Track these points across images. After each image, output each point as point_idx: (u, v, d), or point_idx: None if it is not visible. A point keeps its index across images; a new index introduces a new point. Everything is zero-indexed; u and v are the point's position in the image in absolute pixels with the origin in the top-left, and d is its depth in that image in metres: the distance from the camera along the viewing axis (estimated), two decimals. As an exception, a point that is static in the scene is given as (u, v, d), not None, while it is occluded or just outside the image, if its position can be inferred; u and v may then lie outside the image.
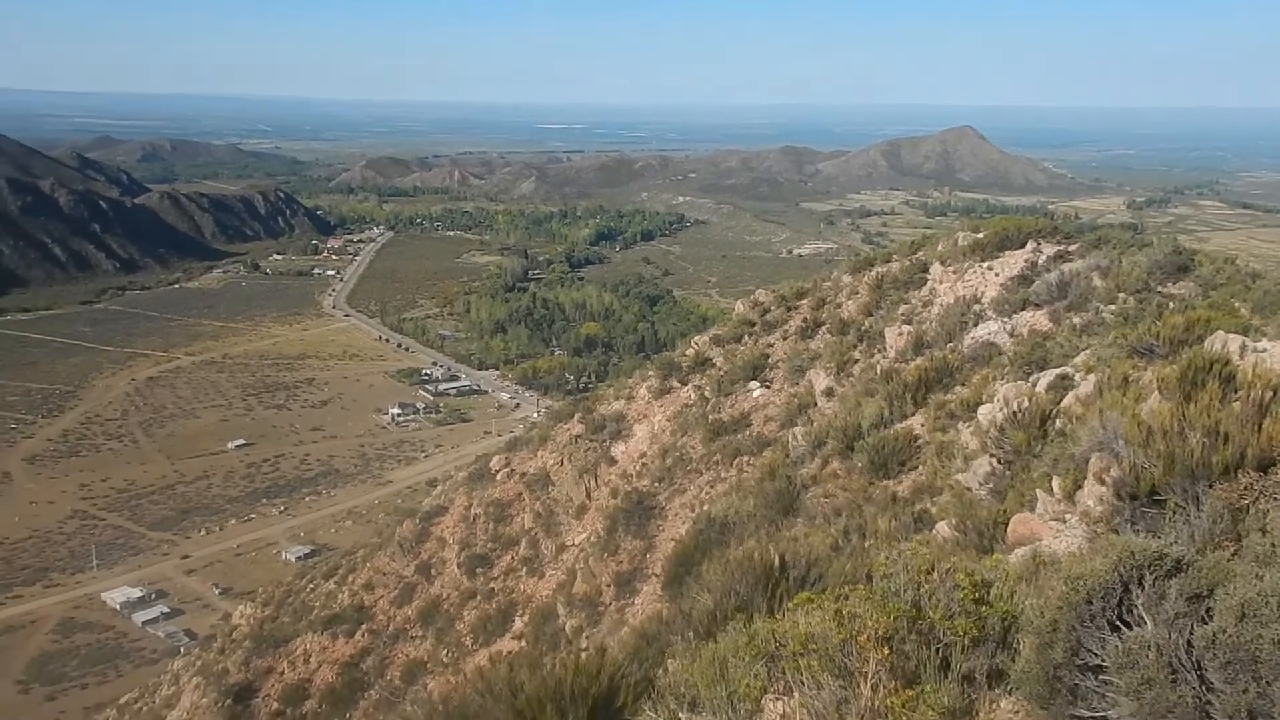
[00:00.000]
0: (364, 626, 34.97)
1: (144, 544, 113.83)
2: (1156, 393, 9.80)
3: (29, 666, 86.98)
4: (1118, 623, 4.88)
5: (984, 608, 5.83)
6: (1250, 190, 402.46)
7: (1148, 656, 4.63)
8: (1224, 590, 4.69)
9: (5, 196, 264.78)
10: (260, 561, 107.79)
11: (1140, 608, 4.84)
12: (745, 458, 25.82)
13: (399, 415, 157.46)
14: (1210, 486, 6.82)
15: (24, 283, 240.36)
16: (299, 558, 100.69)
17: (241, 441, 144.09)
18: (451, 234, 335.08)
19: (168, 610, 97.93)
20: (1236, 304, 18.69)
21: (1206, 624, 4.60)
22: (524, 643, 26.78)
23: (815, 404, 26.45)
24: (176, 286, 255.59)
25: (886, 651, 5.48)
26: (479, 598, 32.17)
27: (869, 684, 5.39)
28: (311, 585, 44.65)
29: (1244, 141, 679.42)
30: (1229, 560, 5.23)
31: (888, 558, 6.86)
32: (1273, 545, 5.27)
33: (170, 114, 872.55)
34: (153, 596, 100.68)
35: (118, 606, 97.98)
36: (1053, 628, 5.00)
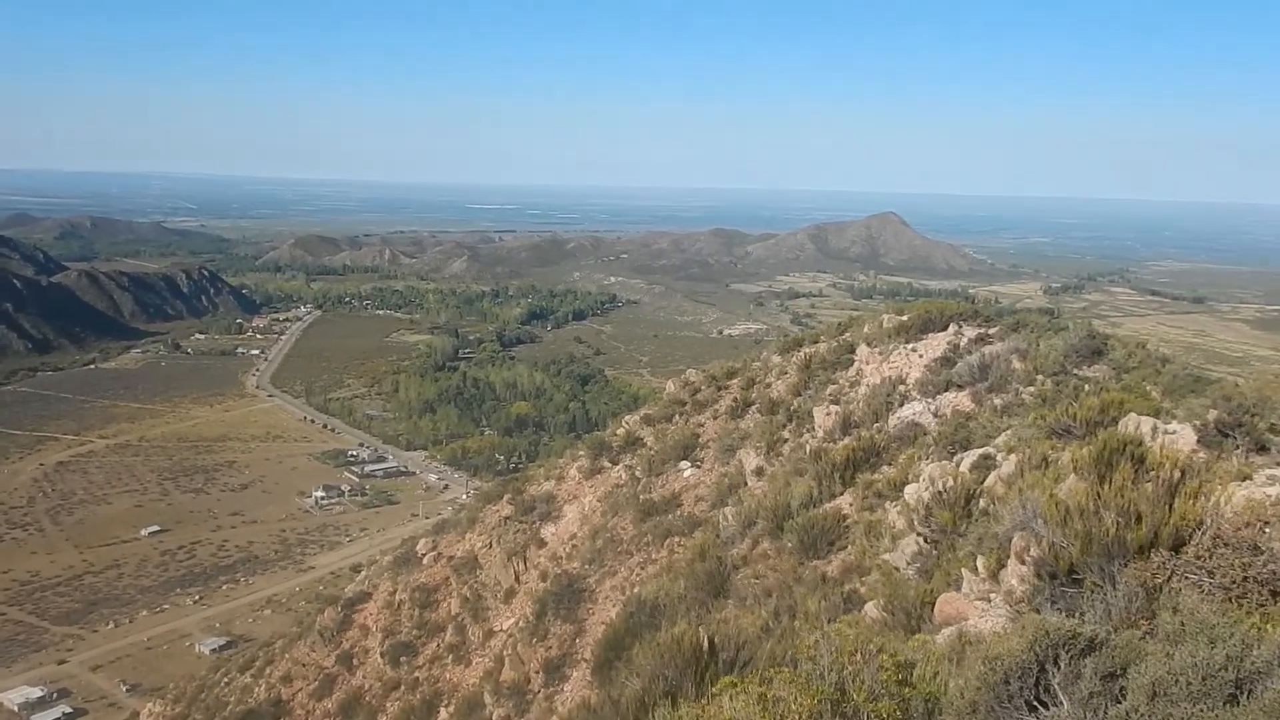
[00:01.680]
0: (281, 721, 33.52)
1: (47, 639, 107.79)
2: (1073, 473, 10.06)
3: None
4: (1035, 702, 4.92)
5: (907, 689, 5.83)
6: (1158, 278, 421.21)
7: (1066, 737, 4.66)
8: (1136, 669, 4.77)
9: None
10: (172, 655, 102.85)
11: (1056, 687, 4.89)
12: (676, 538, 25.68)
13: (323, 498, 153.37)
14: (1125, 565, 6.97)
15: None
16: (214, 650, 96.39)
17: (156, 528, 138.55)
18: (381, 313, 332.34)
19: (70, 710, 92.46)
20: (1148, 387, 19.42)
21: (1120, 703, 4.66)
22: (449, 735, 25.89)
23: (746, 483, 26.54)
24: (92, 367, 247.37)
25: (812, 736, 5.44)
26: (403, 688, 31.12)
27: (795, 771, 5.33)
28: (226, 679, 42.87)
29: (1150, 232, 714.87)
30: (1141, 639, 5.33)
31: (814, 640, 6.85)
32: (1183, 624, 5.38)
33: (92, 191, 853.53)
34: (54, 696, 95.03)
35: (15, 708, 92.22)
36: (972, 709, 5.02)
